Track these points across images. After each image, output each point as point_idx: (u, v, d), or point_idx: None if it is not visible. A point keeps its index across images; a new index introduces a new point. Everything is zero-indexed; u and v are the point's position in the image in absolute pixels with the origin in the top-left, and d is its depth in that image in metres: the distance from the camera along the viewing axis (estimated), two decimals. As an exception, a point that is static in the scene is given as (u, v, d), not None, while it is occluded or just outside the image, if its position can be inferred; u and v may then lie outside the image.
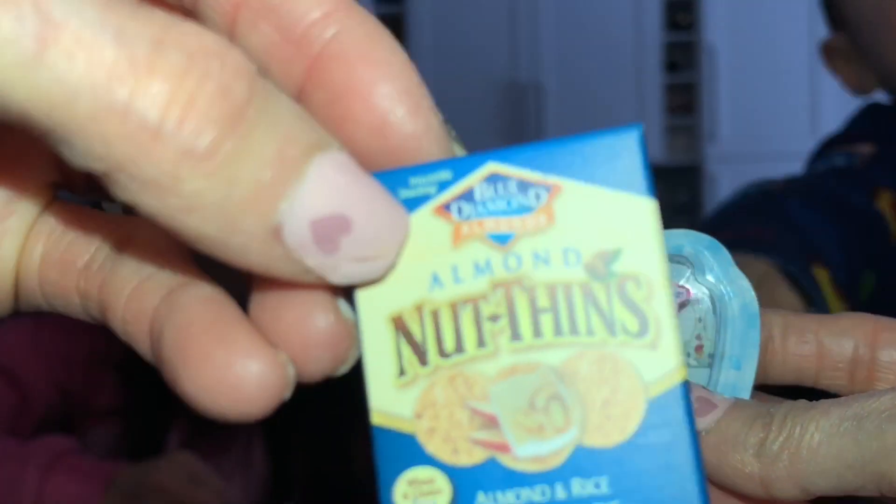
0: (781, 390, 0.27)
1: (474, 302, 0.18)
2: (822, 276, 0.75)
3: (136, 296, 0.19)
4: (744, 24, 3.99)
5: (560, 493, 0.17)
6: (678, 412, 0.17)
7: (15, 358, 0.89)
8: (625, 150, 0.18)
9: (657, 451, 0.17)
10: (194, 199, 0.16)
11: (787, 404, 0.24)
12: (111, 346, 0.93)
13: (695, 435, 0.17)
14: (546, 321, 0.17)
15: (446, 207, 0.18)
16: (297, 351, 0.18)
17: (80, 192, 0.22)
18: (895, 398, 0.22)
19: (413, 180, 0.19)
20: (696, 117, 4.05)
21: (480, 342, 0.18)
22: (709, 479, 0.24)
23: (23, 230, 0.20)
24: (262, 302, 0.18)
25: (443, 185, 0.18)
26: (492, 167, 0.18)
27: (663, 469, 0.17)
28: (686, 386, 0.17)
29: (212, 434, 0.98)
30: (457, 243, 0.18)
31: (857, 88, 1.01)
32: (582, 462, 0.17)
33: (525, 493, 0.17)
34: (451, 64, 4.12)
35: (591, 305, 0.17)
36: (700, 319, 0.26)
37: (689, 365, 0.27)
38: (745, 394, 0.25)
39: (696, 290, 0.25)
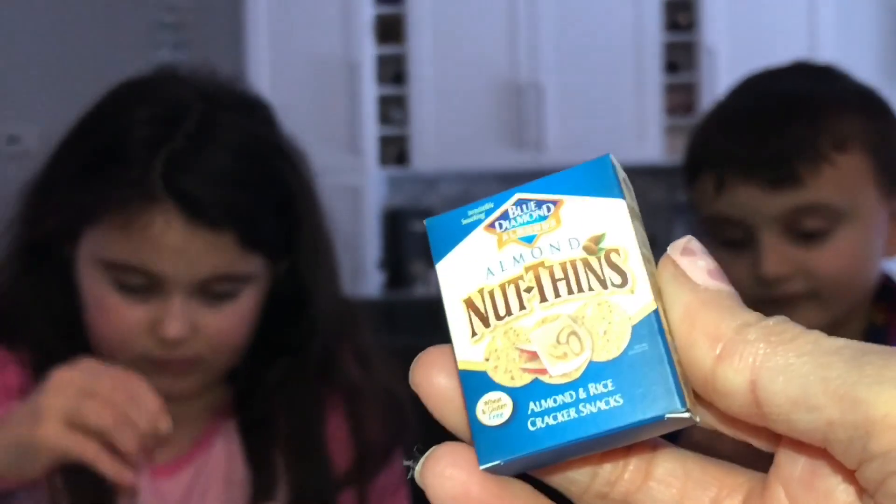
0: None
1: (515, 282, 0.27)
2: None
3: None
4: (744, 25, 4.04)
5: (581, 394, 0.25)
6: (653, 330, 0.25)
7: None
8: (602, 170, 0.28)
9: (642, 357, 0.25)
10: None
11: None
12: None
13: (666, 344, 0.26)
14: (562, 286, 0.27)
15: (492, 225, 0.28)
16: None
17: None
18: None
19: (470, 212, 0.28)
20: (695, 118, 4.10)
21: (521, 306, 0.27)
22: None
23: None
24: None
25: (489, 212, 0.28)
26: (518, 196, 0.28)
27: (648, 367, 0.25)
28: (657, 313, 0.26)
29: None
30: (500, 247, 0.28)
31: None
32: (594, 372, 0.26)
33: (559, 397, 0.26)
34: (451, 63, 4.16)
35: (590, 271, 0.27)
36: None
37: None
38: None
39: None
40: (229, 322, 0.91)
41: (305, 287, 0.96)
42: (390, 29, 4.21)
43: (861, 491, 0.25)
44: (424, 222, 0.28)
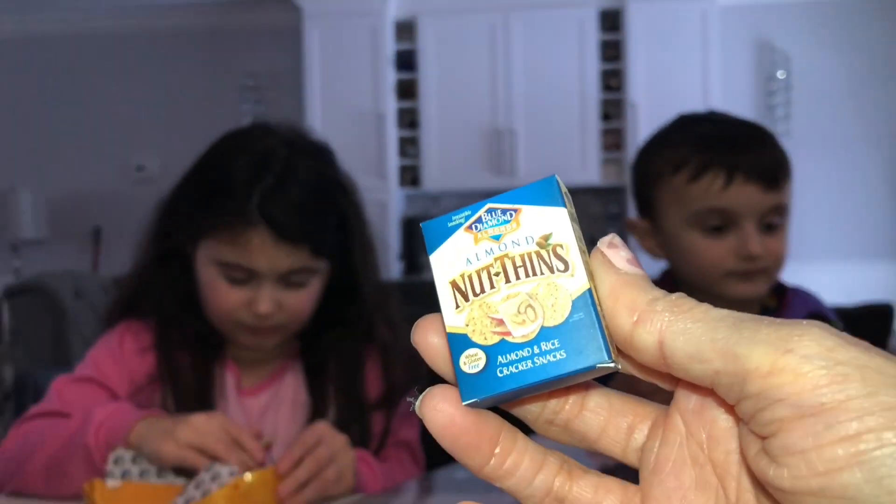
0: None
1: (487, 268, 0.26)
2: None
3: None
4: (657, 88, 4.04)
5: (536, 350, 0.25)
6: (587, 303, 0.25)
7: (102, 370, 0.93)
8: (549, 187, 0.27)
9: (580, 323, 0.25)
10: None
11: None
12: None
13: (597, 313, 0.25)
14: (521, 271, 0.26)
15: (470, 227, 0.26)
16: None
17: None
18: None
19: (454, 218, 0.27)
20: (623, 153, 4.10)
21: (492, 286, 0.26)
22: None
23: None
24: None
25: (467, 217, 0.27)
26: (489, 205, 0.27)
27: (584, 330, 0.25)
28: (590, 291, 0.25)
29: (257, 374, 0.99)
30: (476, 243, 0.26)
31: (652, 254, 1.01)
32: (545, 334, 0.25)
33: (520, 352, 0.25)
34: (451, 114, 4.16)
35: (541, 260, 0.26)
36: None
37: None
38: None
39: None
40: (302, 301, 0.93)
41: (356, 280, 0.97)
42: (407, 89, 4.20)
43: (738, 420, 0.24)
44: (420, 225, 0.27)
